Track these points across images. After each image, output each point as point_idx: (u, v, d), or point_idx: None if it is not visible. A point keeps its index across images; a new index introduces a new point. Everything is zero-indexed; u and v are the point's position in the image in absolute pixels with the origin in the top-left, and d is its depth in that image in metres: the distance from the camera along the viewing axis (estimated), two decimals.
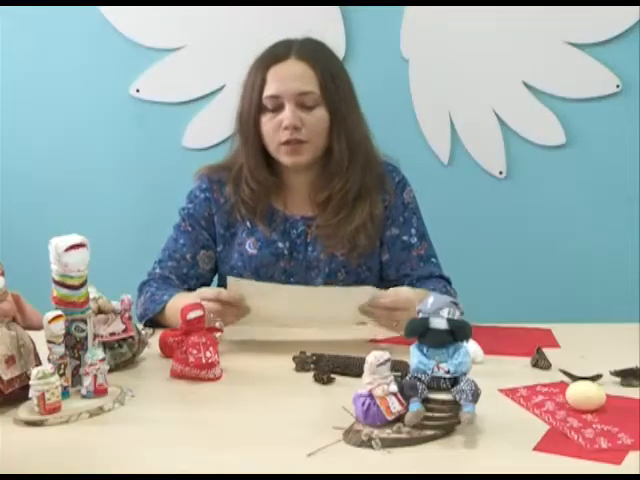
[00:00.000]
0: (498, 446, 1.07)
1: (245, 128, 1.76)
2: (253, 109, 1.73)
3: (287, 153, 1.72)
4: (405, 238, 1.80)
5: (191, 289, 1.75)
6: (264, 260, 1.76)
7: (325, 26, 2.33)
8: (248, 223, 1.78)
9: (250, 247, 1.77)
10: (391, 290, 1.53)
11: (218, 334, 1.41)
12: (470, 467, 1.02)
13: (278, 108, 1.71)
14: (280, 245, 1.77)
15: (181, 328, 1.39)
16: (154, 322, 1.67)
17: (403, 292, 1.54)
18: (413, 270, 1.78)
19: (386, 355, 1.10)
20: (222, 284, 1.82)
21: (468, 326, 1.10)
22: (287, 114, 1.69)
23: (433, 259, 1.81)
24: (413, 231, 1.80)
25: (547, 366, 1.39)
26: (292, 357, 1.41)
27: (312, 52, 1.74)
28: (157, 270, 1.79)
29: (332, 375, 1.33)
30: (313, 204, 1.79)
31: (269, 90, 1.71)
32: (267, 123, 1.72)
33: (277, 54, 1.74)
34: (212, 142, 2.34)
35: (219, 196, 1.80)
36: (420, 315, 1.11)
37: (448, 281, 1.79)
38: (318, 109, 1.72)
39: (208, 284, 1.83)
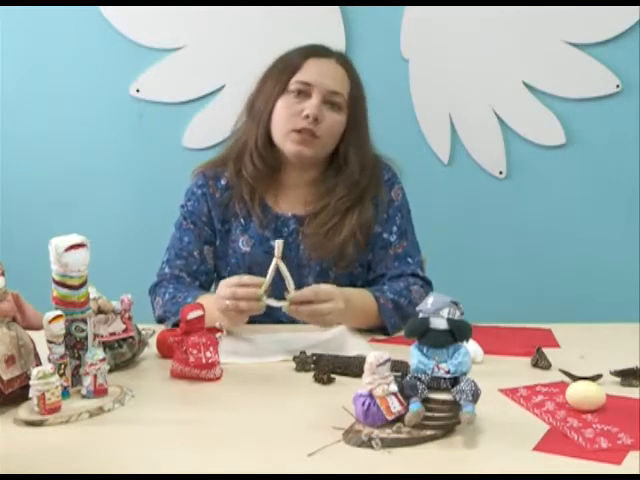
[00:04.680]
0: (498, 446, 1.07)
1: (262, 106, 1.73)
2: (277, 89, 1.71)
3: (296, 141, 1.70)
4: (385, 236, 1.76)
5: (202, 286, 1.76)
6: (257, 258, 1.74)
7: (325, 26, 2.33)
8: (242, 220, 1.77)
9: (243, 245, 1.76)
10: (310, 287, 1.53)
11: (218, 334, 1.41)
12: (470, 467, 1.02)
13: (303, 96, 1.70)
14: (272, 243, 1.75)
15: (181, 328, 1.39)
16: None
17: (323, 286, 1.54)
18: (387, 269, 1.75)
19: (386, 355, 1.10)
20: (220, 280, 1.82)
21: (468, 326, 1.10)
22: (313, 103, 1.68)
23: (409, 259, 1.75)
24: (394, 229, 1.76)
25: (547, 366, 1.39)
26: (292, 357, 1.41)
27: (350, 63, 1.78)
28: (166, 270, 1.77)
29: (332, 375, 1.33)
30: (305, 203, 1.77)
31: (302, 76, 1.70)
32: (285, 107, 1.71)
33: (320, 49, 1.76)
34: (212, 142, 2.34)
35: (214, 191, 1.79)
36: (420, 315, 1.11)
37: (426, 281, 1.74)
38: (340, 113, 1.72)
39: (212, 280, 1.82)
